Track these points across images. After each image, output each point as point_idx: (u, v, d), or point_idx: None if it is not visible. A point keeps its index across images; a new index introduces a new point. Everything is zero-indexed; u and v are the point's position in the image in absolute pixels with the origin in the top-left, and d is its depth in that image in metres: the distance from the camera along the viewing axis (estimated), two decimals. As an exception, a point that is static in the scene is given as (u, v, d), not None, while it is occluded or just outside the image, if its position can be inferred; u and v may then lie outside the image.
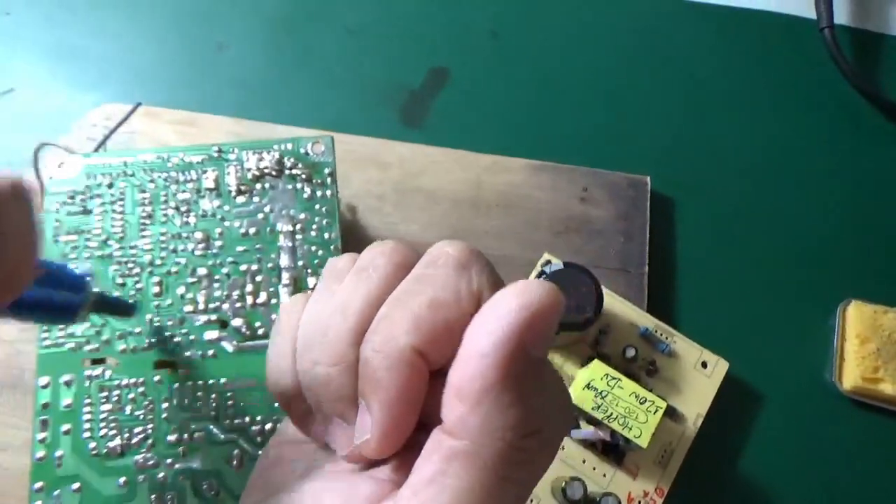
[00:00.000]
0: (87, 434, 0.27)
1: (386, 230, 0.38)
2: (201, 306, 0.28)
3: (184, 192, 0.30)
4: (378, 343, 0.17)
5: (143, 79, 0.43)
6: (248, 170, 0.30)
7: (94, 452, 0.26)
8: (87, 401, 0.27)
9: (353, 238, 0.38)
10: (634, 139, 0.43)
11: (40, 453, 0.26)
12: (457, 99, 0.44)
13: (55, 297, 0.23)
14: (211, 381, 0.27)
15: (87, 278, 0.24)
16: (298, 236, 0.30)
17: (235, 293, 0.28)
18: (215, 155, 0.30)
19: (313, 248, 0.29)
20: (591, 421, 0.33)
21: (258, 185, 0.30)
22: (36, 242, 0.19)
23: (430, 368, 0.18)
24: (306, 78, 0.44)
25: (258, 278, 0.29)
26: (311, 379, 0.19)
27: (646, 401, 0.32)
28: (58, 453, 0.26)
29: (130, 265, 0.28)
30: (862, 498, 0.36)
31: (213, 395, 0.27)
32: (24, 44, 0.43)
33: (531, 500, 0.33)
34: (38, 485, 0.26)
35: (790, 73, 0.46)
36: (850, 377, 0.37)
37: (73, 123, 0.39)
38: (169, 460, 0.27)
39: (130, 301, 0.28)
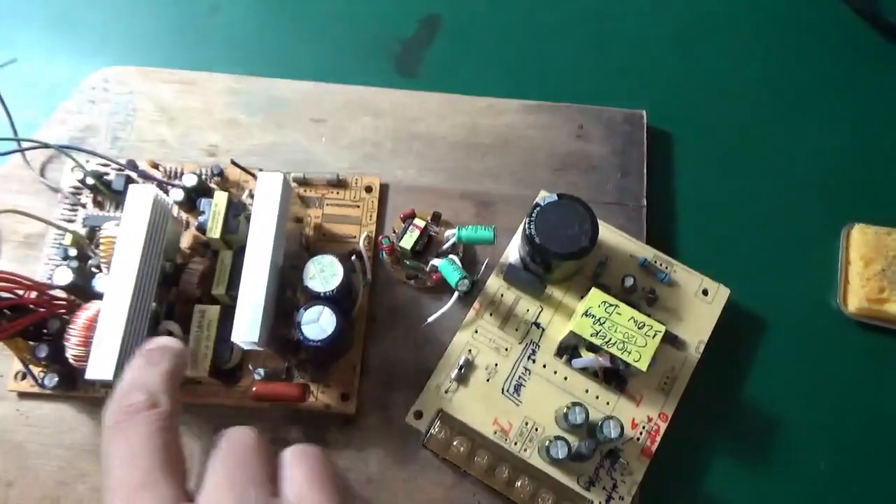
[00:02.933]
0: None
1: (384, 177, 0.39)
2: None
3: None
4: None
5: (140, 43, 0.43)
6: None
7: None
8: None
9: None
10: (630, 74, 0.43)
11: None
12: (450, 45, 0.44)
13: None
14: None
15: None
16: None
17: None
18: None
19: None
20: (591, 348, 0.33)
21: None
22: None
23: None
24: (300, 33, 0.44)
25: None
26: None
27: (644, 325, 0.32)
28: None
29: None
30: (869, 419, 0.36)
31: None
32: (23, 16, 0.44)
33: (535, 429, 0.33)
34: None
35: None
36: (855, 299, 0.37)
37: (73, 89, 0.40)
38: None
39: None
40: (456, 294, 0.34)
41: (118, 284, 0.30)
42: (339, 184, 0.38)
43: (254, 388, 0.32)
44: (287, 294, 0.33)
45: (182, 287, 0.33)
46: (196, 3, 0.44)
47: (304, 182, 0.38)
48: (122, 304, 0.30)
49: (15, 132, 0.39)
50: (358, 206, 0.38)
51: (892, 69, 0.43)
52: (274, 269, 0.31)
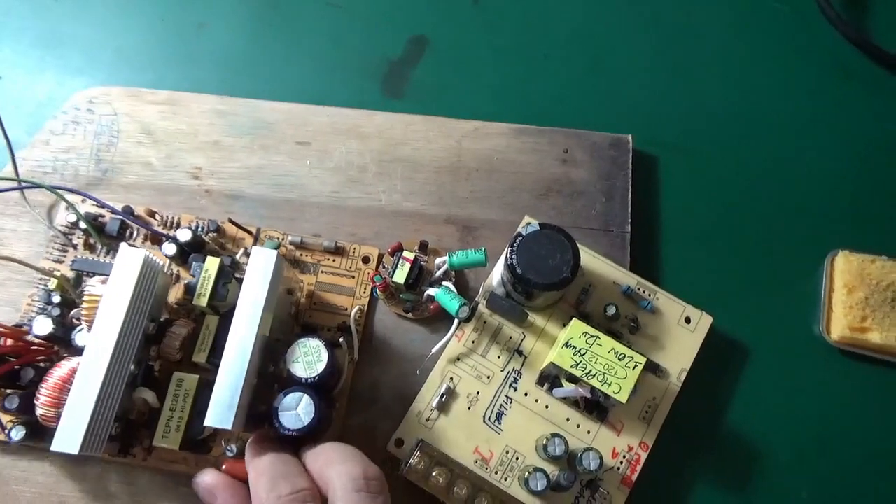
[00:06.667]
0: None
1: (368, 201, 0.39)
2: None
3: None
4: None
5: (127, 61, 0.43)
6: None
7: None
8: None
9: (338, 210, 0.38)
10: (616, 98, 0.43)
11: None
12: (437, 67, 0.44)
13: None
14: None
15: None
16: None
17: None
18: None
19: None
20: (571, 379, 0.33)
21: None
22: None
23: None
24: (287, 52, 0.44)
25: None
26: None
27: (624, 357, 0.32)
28: None
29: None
30: (851, 448, 0.36)
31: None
32: (10, 32, 0.44)
33: (516, 458, 0.33)
34: None
35: (774, 22, 0.45)
36: (838, 327, 0.37)
37: (58, 108, 0.40)
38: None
39: None
40: (456, 322, 0.34)
41: (96, 353, 0.29)
42: (337, 251, 0.37)
43: (223, 467, 0.31)
44: (270, 369, 0.32)
45: (164, 350, 0.33)
46: (183, 21, 0.44)
47: (301, 246, 0.37)
48: (97, 374, 0.29)
49: (16, 170, 0.37)
50: (353, 277, 0.37)
51: (880, 96, 0.43)
52: (258, 349, 0.30)
